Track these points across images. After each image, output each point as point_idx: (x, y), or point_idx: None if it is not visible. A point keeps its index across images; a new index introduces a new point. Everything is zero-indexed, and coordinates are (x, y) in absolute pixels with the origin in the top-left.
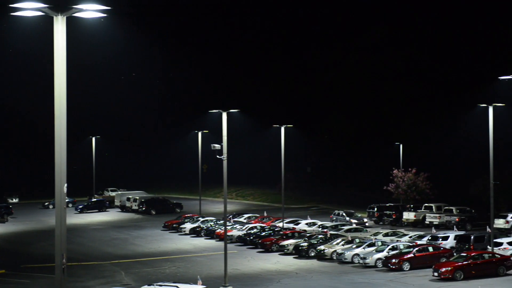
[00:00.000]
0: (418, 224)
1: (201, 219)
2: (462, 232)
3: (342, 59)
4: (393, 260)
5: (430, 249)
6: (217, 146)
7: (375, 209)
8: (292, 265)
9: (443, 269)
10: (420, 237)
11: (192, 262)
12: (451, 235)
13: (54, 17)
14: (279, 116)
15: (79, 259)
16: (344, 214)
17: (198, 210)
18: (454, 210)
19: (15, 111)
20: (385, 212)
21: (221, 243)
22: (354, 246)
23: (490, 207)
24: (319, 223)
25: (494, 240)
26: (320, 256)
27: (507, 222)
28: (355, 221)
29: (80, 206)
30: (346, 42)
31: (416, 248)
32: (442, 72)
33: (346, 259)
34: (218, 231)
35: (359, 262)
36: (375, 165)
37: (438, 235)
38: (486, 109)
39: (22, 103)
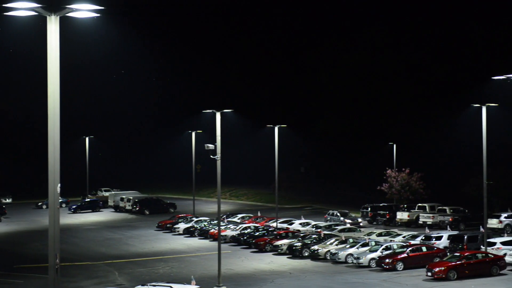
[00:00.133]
0: (411, 224)
1: (195, 219)
2: (455, 232)
3: (336, 59)
4: (387, 260)
5: (424, 249)
6: (211, 146)
7: (369, 209)
8: (286, 265)
9: (437, 269)
10: (414, 237)
11: (185, 262)
12: (445, 235)
13: (48, 17)
14: (273, 116)
15: (72, 259)
16: (338, 214)
17: (192, 210)
18: (447, 210)
19: (8, 111)
20: (378, 212)
21: (215, 243)
22: (348, 246)
23: (483, 207)
24: (313, 223)
25: (488, 240)
26: (314, 256)
27: (500, 222)
28: (350, 221)
29: (74, 206)
30: (340, 42)
31: (410, 248)
32: (436, 72)
33: (340, 259)
34: (212, 231)
35: (352, 262)
36: (368, 165)
37: (432, 235)
38: (480, 109)
39: (15, 103)
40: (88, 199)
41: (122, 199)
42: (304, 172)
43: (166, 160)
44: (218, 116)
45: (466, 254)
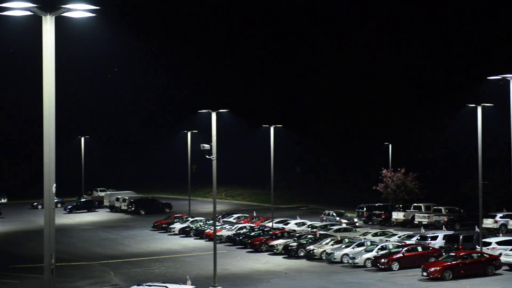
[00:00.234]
0: (407, 224)
1: (191, 219)
2: (451, 232)
3: (332, 59)
4: (382, 260)
5: (419, 248)
6: (207, 146)
7: (364, 209)
8: (281, 265)
9: (432, 269)
10: (409, 237)
11: (181, 262)
12: (440, 235)
13: (43, 17)
14: (269, 116)
15: (68, 259)
16: (334, 214)
17: (187, 210)
18: (443, 210)
19: (2, 111)
20: (374, 212)
21: (211, 243)
22: (344, 246)
23: (478, 207)
24: (309, 223)
25: (483, 240)
26: (310, 256)
27: (496, 222)
28: (346, 221)
29: (69, 206)
30: (335, 42)
31: (405, 248)
32: (432, 72)
33: (336, 259)
34: (207, 231)
35: (348, 262)
36: (364, 165)
37: (427, 235)
38: (475, 109)
39: (10, 103)
40: (84, 199)
41: (117, 199)
42: (299, 172)
43: (162, 160)
44: (213, 116)
45: (462, 254)
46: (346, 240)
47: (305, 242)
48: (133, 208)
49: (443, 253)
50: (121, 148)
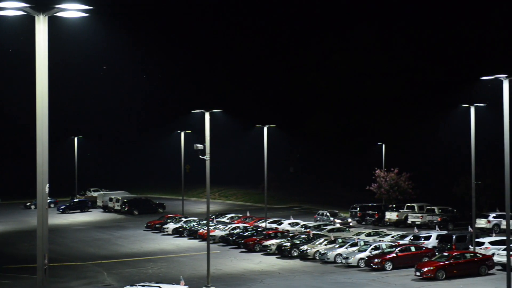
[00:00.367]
0: (400, 224)
1: (184, 219)
2: (444, 232)
3: (325, 58)
4: (376, 260)
5: (412, 248)
6: (200, 146)
7: (358, 209)
8: (275, 265)
9: (425, 269)
10: (402, 237)
11: (174, 262)
12: (433, 234)
13: (36, 17)
14: (262, 116)
15: (61, 259)
16: (328, 214)
17: (180, 210)
18: (436, 210)
19: None
20: (367, 212)
21: (204, 243)
22: (337, 246)
23: (472, 207)
24: (302, 223)
25: (476, 240)
26: (303, 256)
27: (489, 221)
28: (339, 221)
29: (62, 207)
30: (329, 42)
31: (399, 248)
32: (424, 72)
33: (329, 259)
34: (200, 231)
35: (341, 262)
36: (357, 165)
37: (420, 235)
38: (468, 109)
39: (2, 103)
40: (77, 199)
41: (111, 199)
42: (293, 172)
43: (155, 160)
44: (207, 116)
45: (455, 254)
46: (340, 240)
47: (298, 242)
48: (126, 208)
49: (436, 253)
50: (114, 148)
